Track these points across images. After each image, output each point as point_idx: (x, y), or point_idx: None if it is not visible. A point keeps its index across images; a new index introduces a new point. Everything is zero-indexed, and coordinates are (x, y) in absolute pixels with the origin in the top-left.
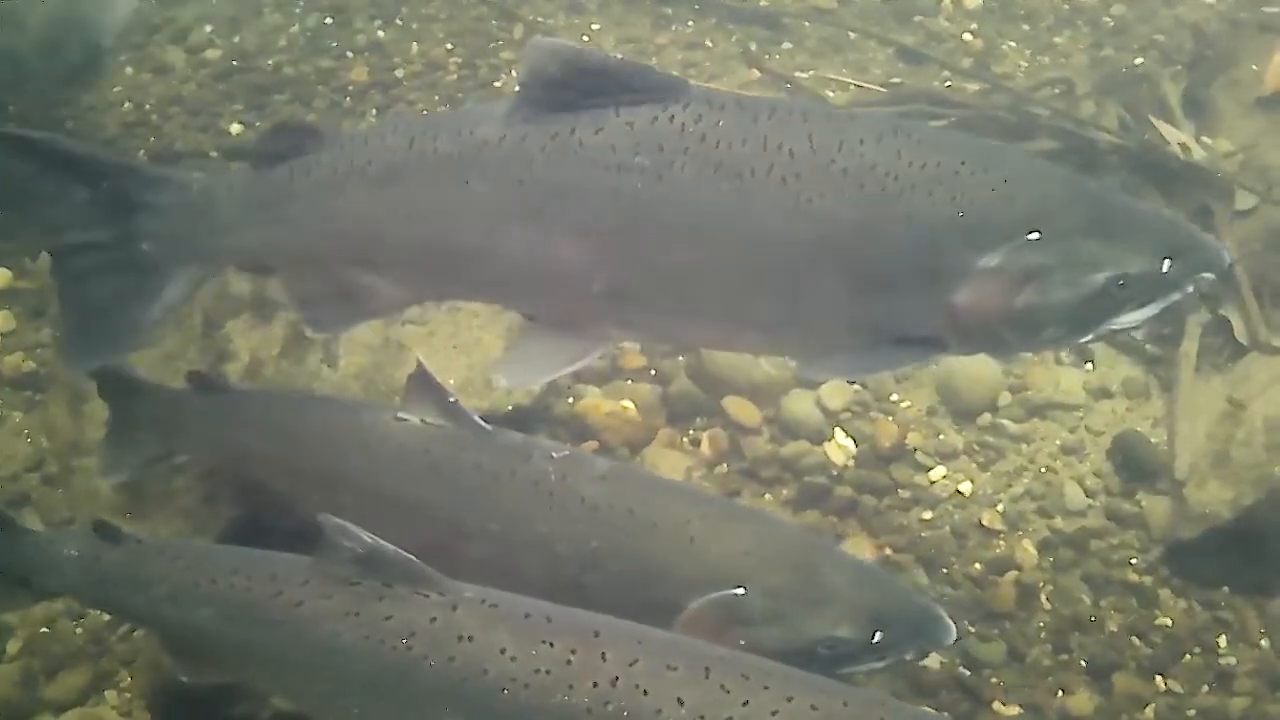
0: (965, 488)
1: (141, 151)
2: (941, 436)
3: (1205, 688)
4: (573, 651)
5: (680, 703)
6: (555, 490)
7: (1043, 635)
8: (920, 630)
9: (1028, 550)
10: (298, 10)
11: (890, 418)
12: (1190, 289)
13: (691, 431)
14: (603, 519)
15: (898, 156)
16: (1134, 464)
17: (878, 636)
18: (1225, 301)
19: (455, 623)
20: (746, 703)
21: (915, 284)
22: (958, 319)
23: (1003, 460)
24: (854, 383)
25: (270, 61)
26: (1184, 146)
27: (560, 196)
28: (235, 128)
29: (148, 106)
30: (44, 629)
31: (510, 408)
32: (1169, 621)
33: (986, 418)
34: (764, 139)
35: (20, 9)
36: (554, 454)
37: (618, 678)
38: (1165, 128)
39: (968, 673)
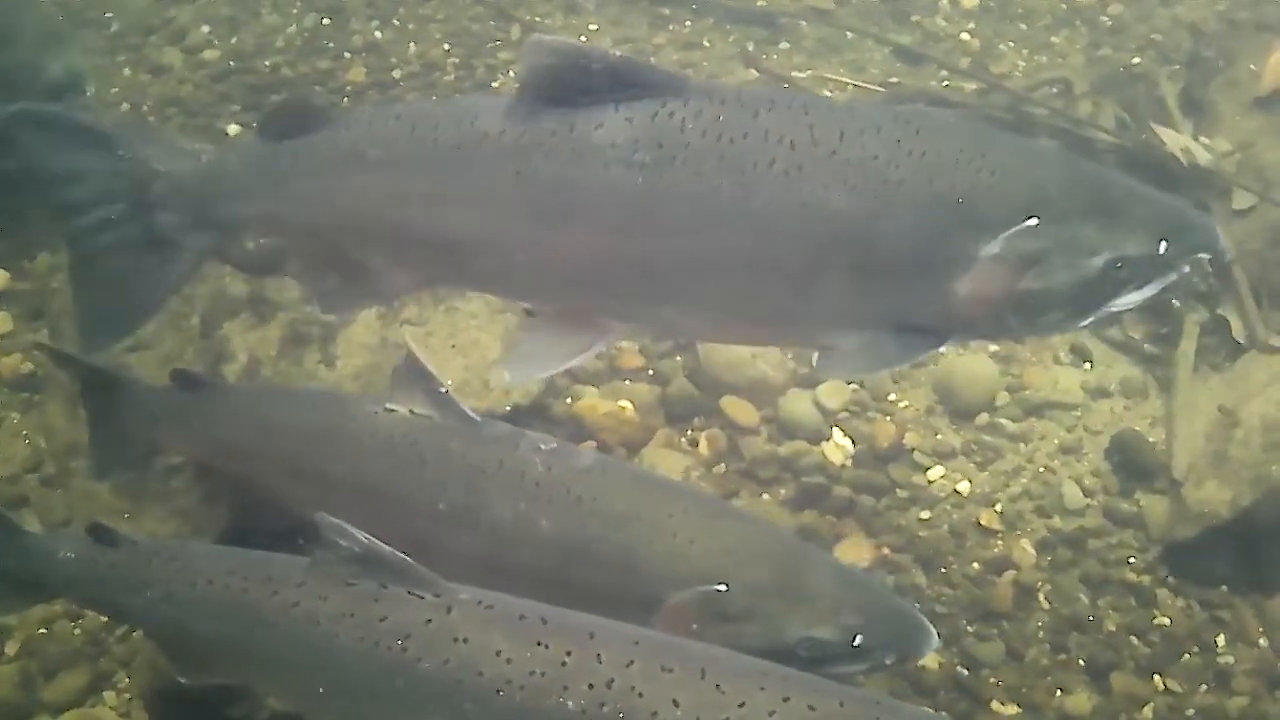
0: (963, 487)
1: None
2: (939, 436)
3: (1203, 687)
4: (568, 653)
5: (676, 704)
6: (542, 481)
7: (1041, 635)
8: (901, 635)
9: (1026, 550)
10: (295, 11)
11: (888, 417)
12: (1187, 269)
13: (689, 432)
14: (587, 511)
15: (898, 145)
16: (1132, 464)
17: (858, 640)
18: (1223, 301)
19: (450, 624)
20: (743, 704)
21: (918, 273)
22: (960, 306)
23: (1001, 460)
24: (852, 382)
25: (268, 62)
26: (1185, 151)
27: (561, 191)
28: (233, 128)
29: (145, 107)
30: (42, 630)
31: (508, 408)
32: (1167, 621)
33: (984, 417)
34: (765, 132)
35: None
36: (541, 445)
37: (613, 679)
38: (1167, 133)
39: (966, 672)
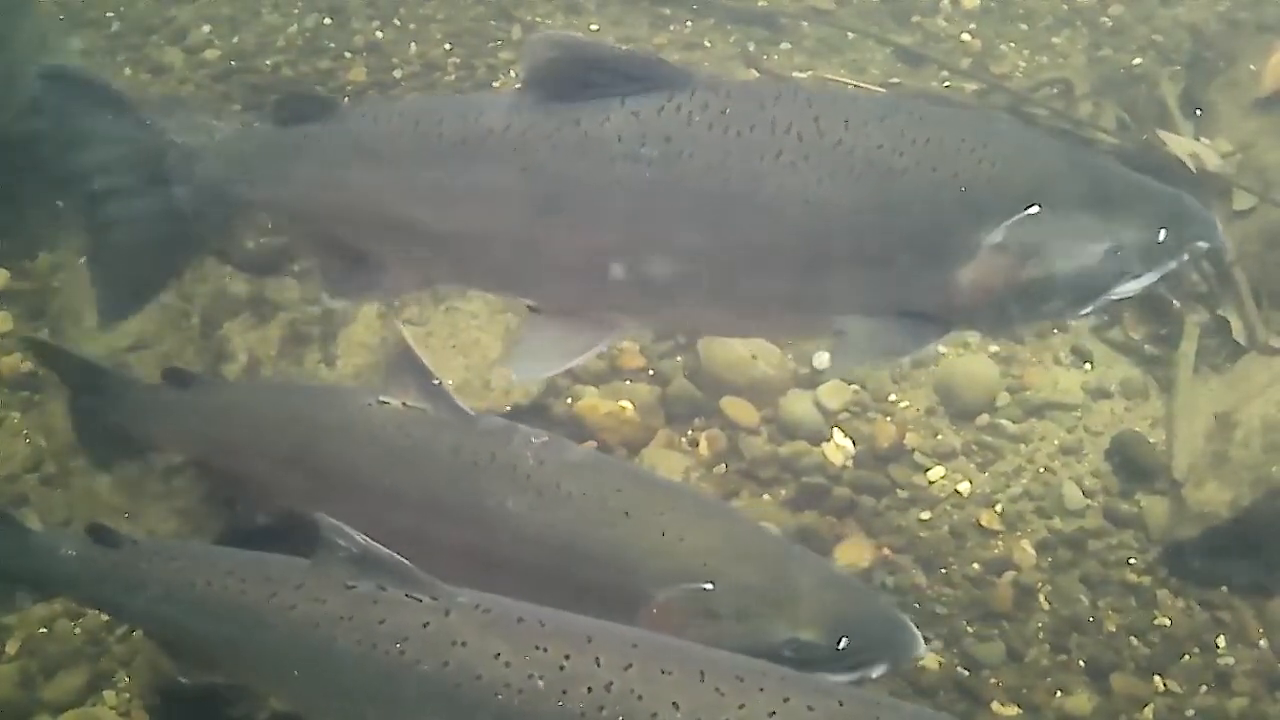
0: (963, 488)
1: None
2: (940, 437)
3: (1204, 688)
4: (566, 656)
5: (676, 707)
6: (533, 475)
7: (1041, 635)
8: (887, 640)
9: (1026, 550)
10: (296, 11)
11: (888, 418)
12: (1185, 257)
13: (690, 432)
14: (577, 506)
15: (901, 134)
16: (1132, 464)
17: (843, 643)
18: (1223, 302)
19: (449, 627)
20: (743, 705)
21: (922, 261)
22: (963, 294)
23: (1001, 460)
24: (852, 383)
25: (268, 62)
26: (1194, 156)
27: (568, 186)
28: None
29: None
30: (42, 630)
31: (508, 407)
32: (1167, 622)
33: (985, 418)
34: (771, 123)
35: None
36: (533, 439)
37: (612, 682)
38: (1173, 138)
39: (966, 673)
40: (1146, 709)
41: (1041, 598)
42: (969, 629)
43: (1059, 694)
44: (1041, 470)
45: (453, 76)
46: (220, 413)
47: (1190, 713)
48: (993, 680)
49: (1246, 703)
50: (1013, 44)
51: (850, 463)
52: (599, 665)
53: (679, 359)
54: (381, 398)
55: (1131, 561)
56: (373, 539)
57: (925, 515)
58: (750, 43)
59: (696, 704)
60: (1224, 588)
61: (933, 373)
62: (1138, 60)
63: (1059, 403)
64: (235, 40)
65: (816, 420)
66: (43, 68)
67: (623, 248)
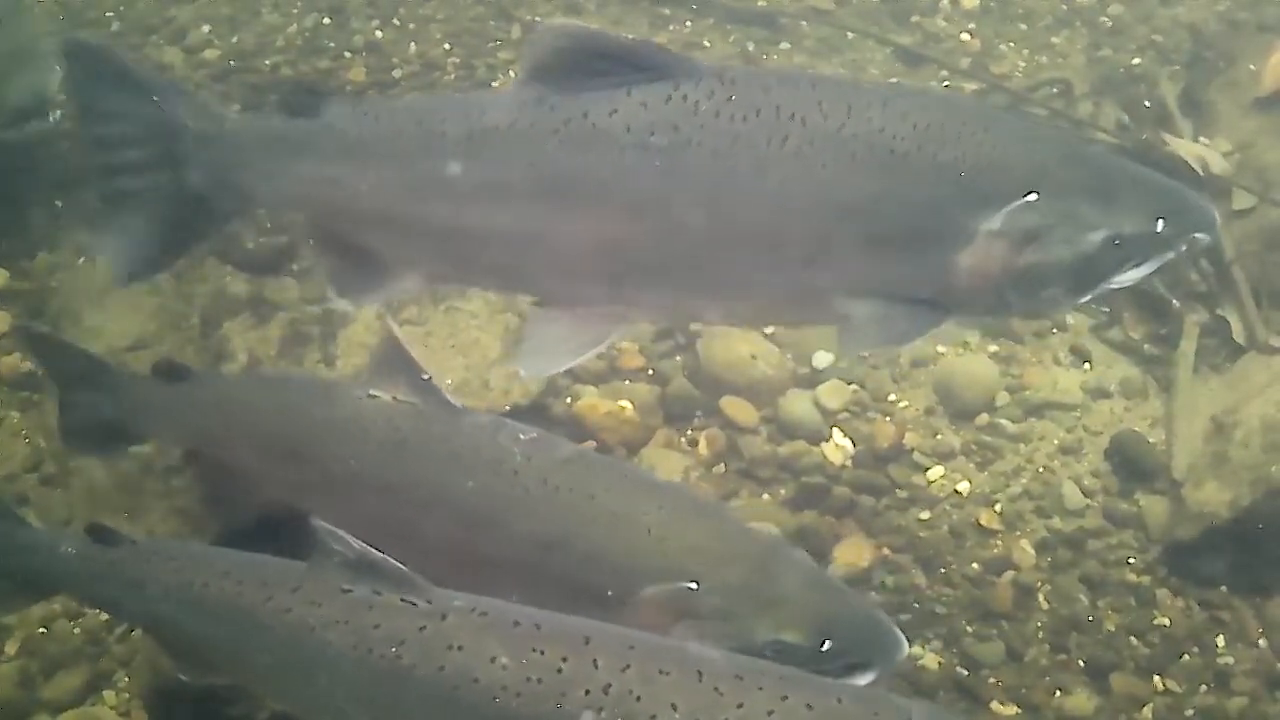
0: (963, 487)
1: None
2: (939, 436)
3: (1203, 687)
4: (564, 659)
5: (674, 708)
6: (520, 470)
7: (1040, 635)
8: (871, 643)
9: (1025, 550)
10: (295, 10)
11: (888, 418)
12: (1184, 248)
13: (689, 431)
14: (563, 502)
15: (903, 119)
16: (1132, 464)
17: (826, 645)
18: (1223, 302)
19: (445, 631)
20: (741, 704)
21: (923, 246)
22: (963, 280)
23: (1000, 460)
24: (851, 383)
25: (268, 62)
26: (1200, 160)
27: (577, 178)
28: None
29: None
30: (41, 629)
31: (508, 407)
32: (1167, 621)
33: (984, 417)
34: (776, 109)
35: None
36: (521, 435)
37: (610, 684)
38: (1179, 142)
39: (965, 673)
40: (1146, 708)
41: (1041, 597)
42: (968, 629)
43: (1058, 694)
44: (1041, 470)
45: (452, 76)
46: (212, 405)
47: (1189, 712)
48: (992, 680)
49: (1246, 702)
50: (1012, 44)
51: (850, 462)
52: (596, 667)
53: (678, 359)
54: (371, 391)
55: (1131, 561)
56: (359, 531)
57: (925, 515)
58: (750, 42)
59: (695, 704)
60: (1223, 587)
61: (932, 372)
62: (1137, 60)
63: (1058, 402)
64: (235, 40)
65: (816, 420)
66: (65, 41)
67: (632, 238)
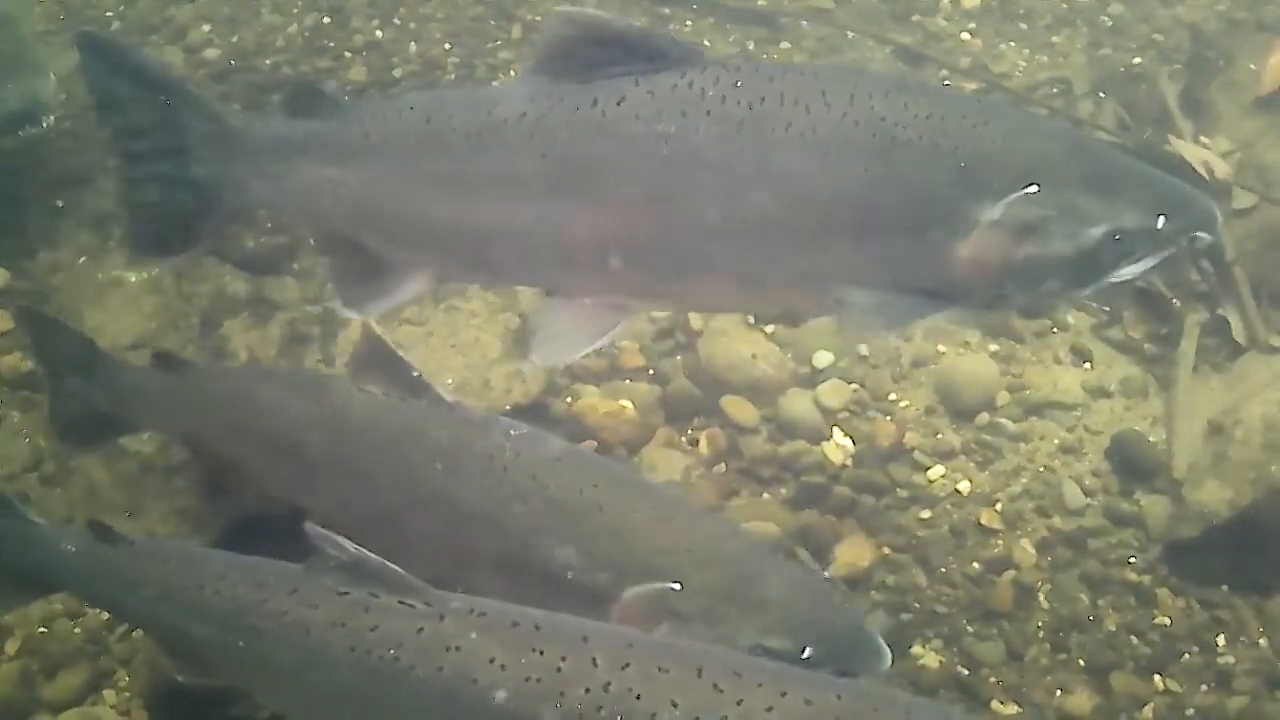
0: (963, 487)
1: None
2: (939, 436)
3: (1203, 687)
4: (562, 658)
5: (674, 705)
6: (510, 466)
7: (1041, 634)
8: (852, 651)
9: (1026, 549)
10: (296, 10)
11: (888, 417)
12: (1184, 244)
13: (690, 431)
14: (550, 498)
15: (905, 109)
16: (1132, 463)
17: (808, 651)
18: (1223, 301)
19: (443, 633)
20: (741, 701)
21: (923, 235)
22: (962, 270)
23: (1001, 460)
24: (851, 382)
25: (268, 61)
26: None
27: (588, 167)
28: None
29: None
30: (42, 629)
31: (508, 406)
32: (1167, 621)
33: (984, 417)
34: (780, 96)
35: None
36: (512, 431)
37: (609, 683)
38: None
39: (966, 672)
40: (1146, 708)
41: (1041, 597)
42: (969, 628)
43: (1059, 693)
44: (1041, 469)
45: (453, 75)
46: (207, 396)
47: (1190, 711)
48: (993, 679)
49: (1246, 701)
50: (1012, 43)
51: (850, 462)
52: (596, 666)
53: (679, 358)
54: (364, 385)
55: (1131, 560)
56: (348, 521)
57: (925, 514)
58: (750, 42)
59: (695, 701)
60: (1224, 587)
61: (932, 372)
62: (1137, 59)
63: (1059, 402)
64: (235, 39)
65: (816, 419)
66: (78, 33)
67: (643, 227)
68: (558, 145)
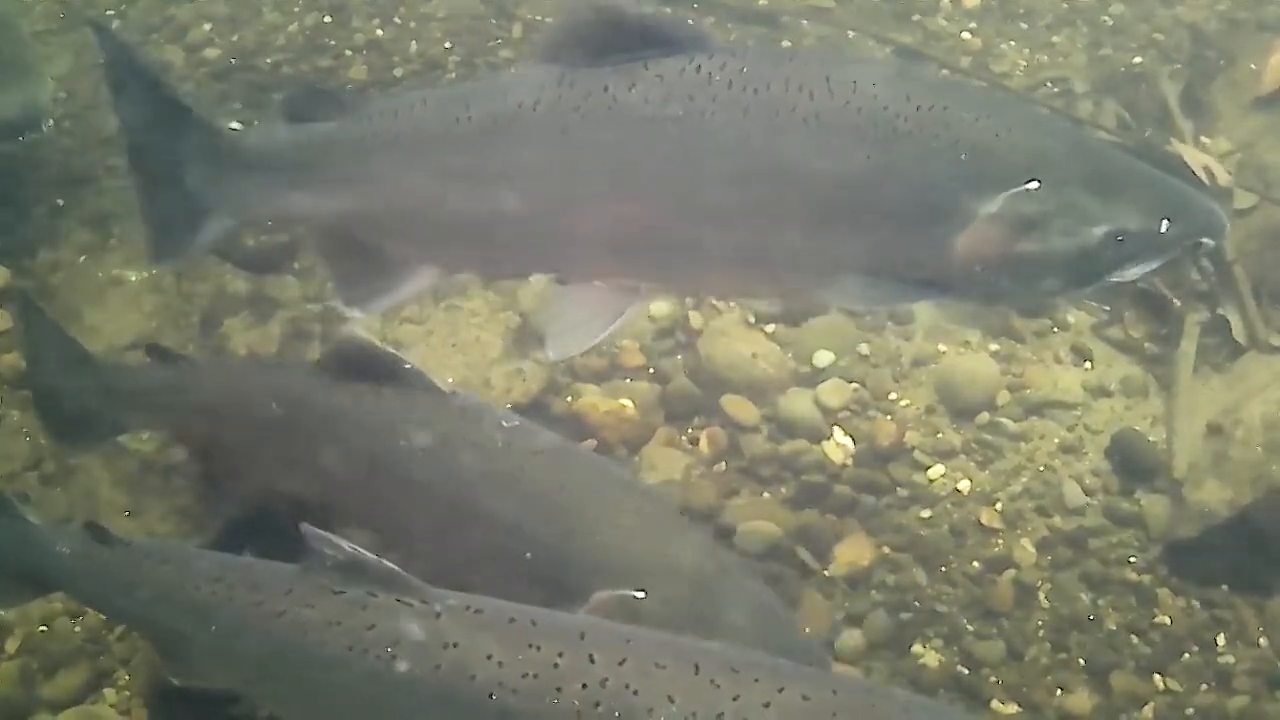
0: (964, 486)
1: None
2: (940, 435)
3: (1204, 686)
4: (560, 654)
5: (671, 700)
6: (497, 456)
7: (1041, 634)
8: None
9: (1026, 549)
10: (296, 9)
11: (889, 416)
12: (1190, 249)
13: (690, 430)
14: (533, 492)
15: (907, 99)
16: (1132, 463)
17: None
18: (1224, 301)
19: (440, 630)
20: (737, 697)
21: (922, 224)
22: (959, 261)
23: (1001, 459)
24: (852, 381)
25: (269, 60)
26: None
27: (599, 152)
28: (234, 126)
29: None
30: (42, 628)
31: (508, 405)
32: (1167, 620)
33: (985, 416)
34: (785, 82)
35: None
36: (504, 423)
37: (606, 679)
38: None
39: (966, 671)
40: (1146, 707)
41: (1041, 596)
42: (969, 627)
43: (1059, 692)
44: (1042, 469)
45: (453, 74)
46: (201, 391)
47: (1190, 711)
48: (993, 679)
49: (1246, 701)
50: (1013, 43)
51: (850, 461)
52: (593, 662)
53: (679, 357)
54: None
55: (1131, 560)
56: (341, 508)
57: (925, 514)
58: (750, 40)
59: (692, 697)
60: (1224, 586)
61: (933, 371)
62: (1138, 59)
63: (1059, 401)
64: (235, 39)
65: (816, 418)
66: (92, 24)
67: (653, 212)
68: (570, 130)
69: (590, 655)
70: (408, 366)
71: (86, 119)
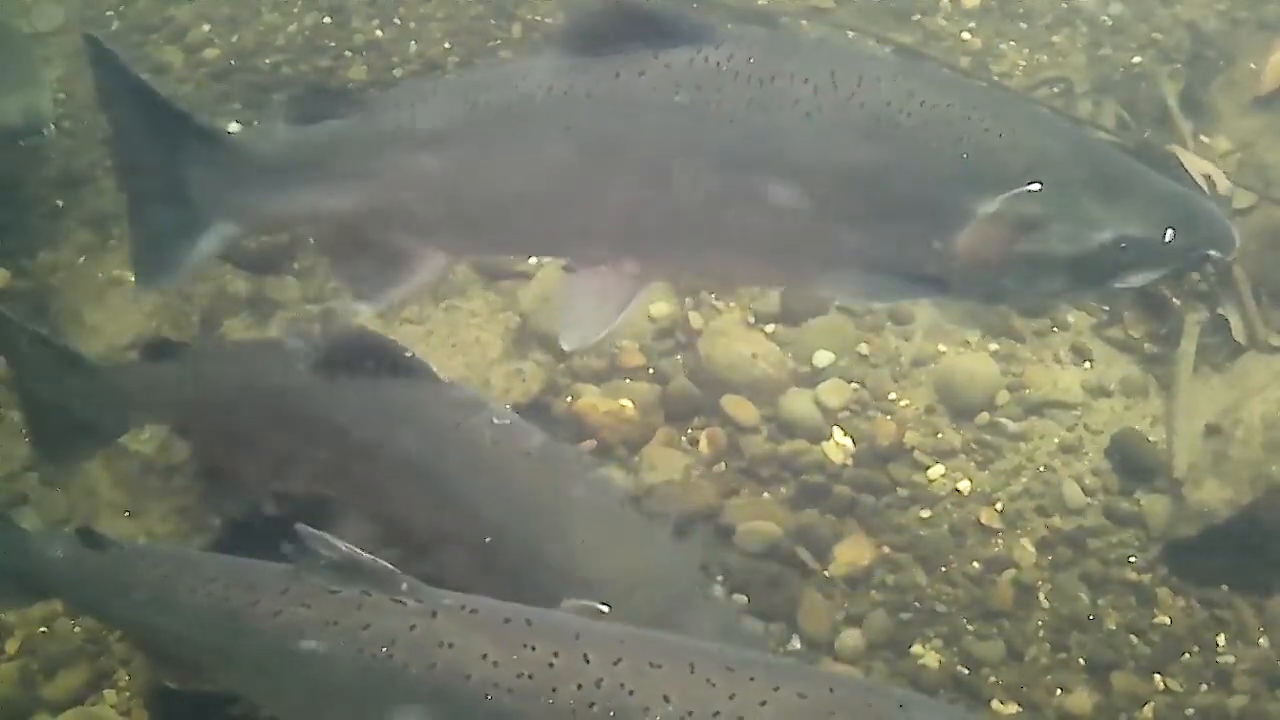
0: (964, 486)
1: None
2: (940, 435)
3: (1204, 686)
4: (555, 654)
5: (667, 700)
6: (485, 453)
7: (1041, 634)
8: None
9: (1026, 549)
10: (296, 10)
11: (888, 416)
12: (1196, 259)
13: (690, 430)
14: (513, 493)
15: (910, 95)
16: (1132, 463)
17: None
18: (1223, 301)
19: (435, 630)
20: (733, 695)
21: (923, 220)
22: (958, 259)
23: (1001, 459)
24: (852, 381)
25: (268, 61)
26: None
27: (606, 141)
28: (233, 127)
29: None
30: (42, 629)
31: (508, 405)
32: (1167, 620)
33: (985, 416)
34: (790, 75)
35: None
36: (494, 420)
37: (602, 679)
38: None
39: (966, 671)
40: (1146, 707)
41: (1041, 596)
42: (969, 627)
43: (1059, 692)
44: (1041, 469)
45: (453, 75)
46: (201, 380)
47: (1190, 711)
48: (993, 678)
49: (1247, 701)
50: (1012, 42)
51: (850, 461)
52: (588, 662)
53: (679, 357)
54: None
55: (1131, 560)
56: (339, 496)
57: (925, 514)
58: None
59: (688, 696)
60: (1224, 586)
61: (933, 371)
62: (1138, 59)
63: (1059, 401)
64: (235, 39)
65: (816, 418)
66: (85, 37)
67: (658, 200)
68: (580, 117)
69: (585, 655)
70: (408, 355)
71: (86, 119)
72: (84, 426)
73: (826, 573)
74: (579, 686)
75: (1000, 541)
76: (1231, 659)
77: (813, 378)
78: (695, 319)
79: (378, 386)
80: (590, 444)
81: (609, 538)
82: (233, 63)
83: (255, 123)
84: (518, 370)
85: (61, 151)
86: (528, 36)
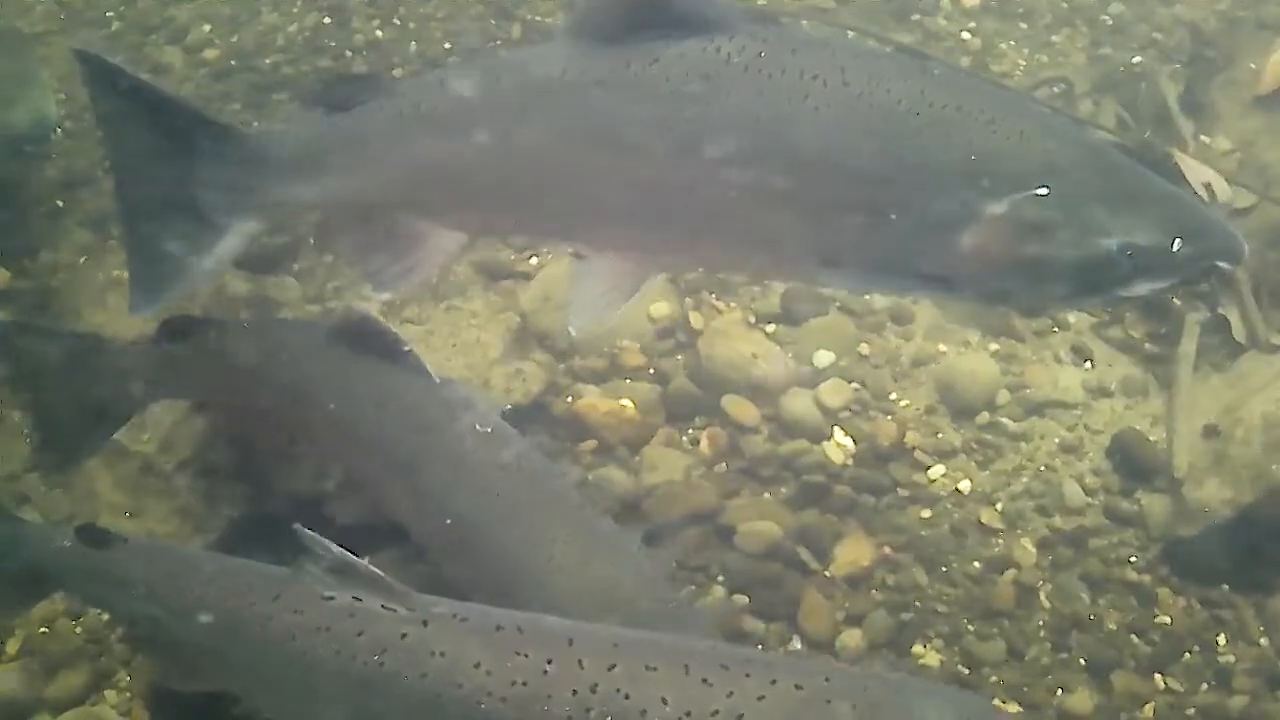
0: (964, 486)
1: None
2: (940, 435)
3: (1204, 686)
4: (548, 661)
5: (664, 702)
6: (466, 461)
7: (1042, 634)
8: None
9: (1026, 549)
10: (296, 10)
11: (889, 416)
12: (1204, 270)
13: (690, 430)
14: (488, 504)
15: (921, 95)
16: (1133, 463)
17: None
18: (1224, 301)
19: (426, 638)
20: (731, 693)
21: (929, 218)
22: (964, 260)
23: (1001, 459)
24: (852, 381)
25: (268, 61)
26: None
27: (620, 128)
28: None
29: None
30: (43, 629)
31: (509, 405)
32: (1168, 620)
33: (985, 416)
34: (800, 70)
35: None
36: (477, 426)
37: (597, 684)
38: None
39: (967, 671)
40: (1147, 707)
41: (1042, 596)
42: (970, 627)
43: (1060, 692)
44: (1042, 468)
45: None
46: (213, 357)
47: (1191, 711)
48: (993, 678)
49: (1247, 701)
50: (1012, 42)
51: (851, 461)
52: (582, 667)
53: (679, 357)
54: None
55: (1132, 560)
56: (337, 479)
57: (926, 513)
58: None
59: (685, 697)
60: (1224, 586)
61: (933, 371)
62: (1138, 59)
63: (1059, 401)
64: (235, 39)
65: (817, 419)
66: (78, 53)
67: (668, 188)
68: (593, 104)
69: (579, 661)
70: (406, 350)
71: (86, 120)
72: (99, 412)
73: (827, 573)
74: (574, 693)
75: (1001, 541)
76: (1232, 659)
77: (813, 378)
78: (696, 319)
79: (371, 379)
80: (591, 444)
81: (571, 551)
82: (233, 63)
83: (255, 123)
84: (518, 370)
85: (62, 152)
86: (528, 36)
